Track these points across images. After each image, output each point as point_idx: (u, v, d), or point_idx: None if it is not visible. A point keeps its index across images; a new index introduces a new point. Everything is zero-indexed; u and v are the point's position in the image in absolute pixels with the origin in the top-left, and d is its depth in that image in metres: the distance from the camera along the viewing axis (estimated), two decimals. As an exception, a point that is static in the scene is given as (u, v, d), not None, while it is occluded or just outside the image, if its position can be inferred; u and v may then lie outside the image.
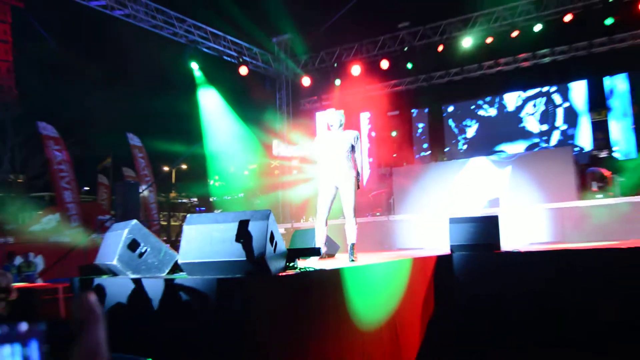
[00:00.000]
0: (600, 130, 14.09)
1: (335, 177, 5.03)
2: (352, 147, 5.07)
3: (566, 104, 13.57)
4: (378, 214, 11.97)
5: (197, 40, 12.59)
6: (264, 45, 14.68)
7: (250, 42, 14.04)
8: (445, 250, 5.88)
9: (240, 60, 13.64)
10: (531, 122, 13.91)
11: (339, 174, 5.01)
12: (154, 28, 11.82)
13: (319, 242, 5.10)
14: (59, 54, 14.64)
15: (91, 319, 1.04)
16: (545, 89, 13.82)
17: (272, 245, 3.17)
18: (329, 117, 5.25)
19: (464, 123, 14.85)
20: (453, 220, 5.79)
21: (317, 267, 3.71)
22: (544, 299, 5.07)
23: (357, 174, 5.07)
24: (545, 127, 13.71)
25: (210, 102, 13.43)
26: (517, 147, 13.75)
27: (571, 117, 13.45)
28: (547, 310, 5.02)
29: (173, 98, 17.60)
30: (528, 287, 5.18)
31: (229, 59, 13.70)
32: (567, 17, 11.52)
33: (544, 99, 13.83)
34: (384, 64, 13.44)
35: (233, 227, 3.20)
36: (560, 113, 13.60)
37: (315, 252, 4.39)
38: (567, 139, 13.31)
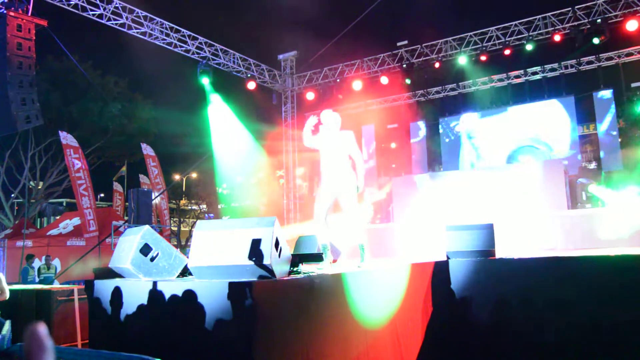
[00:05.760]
0: (589, 143, 14.12)
1: (335, 179, 4.59)
2: (350, 147, 4.62)
3: (558, 119, 13.55)
4: (378, 221, 11.92)
5: (208, 57, 12.69)
6: (270, 62, 14.85)
7: (257, 58, 14.18)
8: (442, 256, 5.83)
9: (248, 75, 13.74)
10: (526, 136, 13.87)
11: (338, 176, 4.59)
12: (168, 45, 11.94)
13: (323, 241, 4.65)
14: (79, 68, 14.77)
15: (40, 352, 0.96)
16: (538, 104, 13.82)
17: (277, 250, 3.14)
18: (325, 118, 4.70)
19: (461, 136, 14.82)
20: (449, 228, 5.75)
21: (320, 272, 3.68)
22: (537, 303, 5.00)
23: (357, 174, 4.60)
24: (538, 141, 13.67)
25: (220, 115, 13.50)
26: (512, 158, 13.70)
27: (562, 131, 13.42)
28: (541, 314, 4.95)
29: (185, 110, 17.71)
30: (522, 292, 5.12)
31: (237, 74, 13.80)
32: (557, 37, 11.67)
33: (538, 113, 13.81)
34: (384, 80, 13.51)
35: (240, 233, 3.18)
36: (552, 127, 13.57)
37: (318, 257, 4.35)
38: (559, 152, 13.27)
